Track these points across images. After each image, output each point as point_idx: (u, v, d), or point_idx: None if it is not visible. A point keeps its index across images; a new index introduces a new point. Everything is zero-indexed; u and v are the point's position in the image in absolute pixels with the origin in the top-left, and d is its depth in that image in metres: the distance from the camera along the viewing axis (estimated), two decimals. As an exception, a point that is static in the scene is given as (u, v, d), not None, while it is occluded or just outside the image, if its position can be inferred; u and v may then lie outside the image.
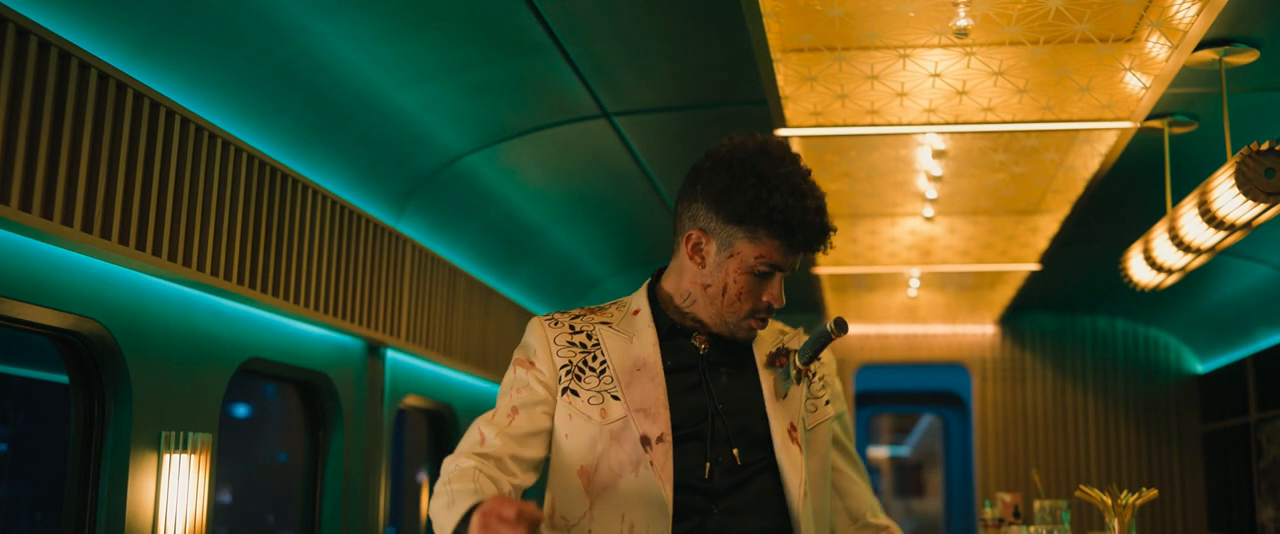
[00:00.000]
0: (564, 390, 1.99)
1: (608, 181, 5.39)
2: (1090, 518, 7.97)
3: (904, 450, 21.44)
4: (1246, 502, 7.78)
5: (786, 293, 2.04)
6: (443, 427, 5.90)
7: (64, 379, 3.17)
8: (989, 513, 5.44)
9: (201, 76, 3.34)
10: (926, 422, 18.46)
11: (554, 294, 7.07)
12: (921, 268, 7.47)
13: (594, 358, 2.01)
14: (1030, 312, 9.19)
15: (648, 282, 2.12)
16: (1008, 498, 5.45)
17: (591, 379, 1.99)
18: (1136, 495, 3.69)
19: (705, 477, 1.92)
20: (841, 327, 1.91)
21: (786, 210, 1.90)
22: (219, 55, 3.33)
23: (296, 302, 3.92)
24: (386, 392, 4.88)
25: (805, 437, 2.02)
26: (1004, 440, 9.24)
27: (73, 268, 2.99)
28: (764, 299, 1.97)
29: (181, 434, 3.34)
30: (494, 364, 6.11)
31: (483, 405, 6.28)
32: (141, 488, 3.22)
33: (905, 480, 20.96)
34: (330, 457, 4.51)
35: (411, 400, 5.31)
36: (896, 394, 13.68)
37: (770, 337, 2.09)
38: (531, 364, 2.03)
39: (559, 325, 2.05)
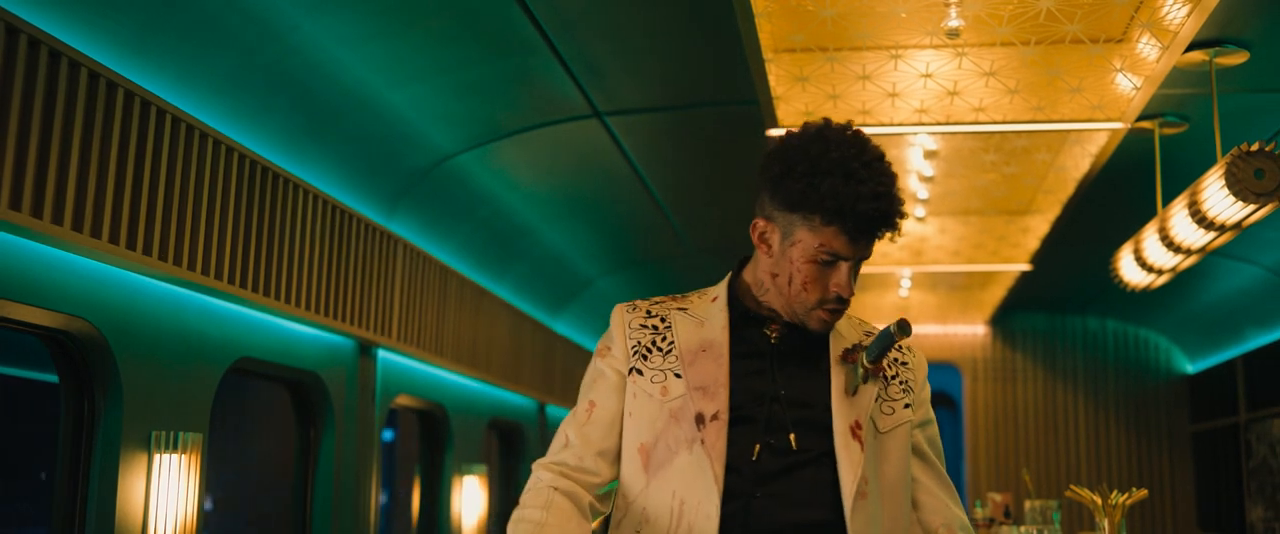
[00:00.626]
0: (631, 370, 2.00)
1: (599, 181, 5.39)
2: (1080, 518, 8.00)
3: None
4: (1236, 501, 7.80)
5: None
6: (434, 426, 5.90)
7: (54, 379, 3.16)
8: (980, 513, 5.46)
9: (192, 75, 3.34)
10: (917, 422, 18.48)
11: (545, 294, 7.07)
12: (913, 268, 7.48)
13: (664, 338, 2.02)
14: (1021, 312, 9.21)
15: (731, 272, 2.11)
16: (998, 498, 5.46)
17: (657, 358, 2.00)
18: (1127, 495, 3.70)
19: (753, 459, 1.90)
20: (904, 328, 1.89)
21: (837, 196, 1.84)
22: (209, 54, 3.33)
23: (287, 301, 3.91)
24: (378, 391, 4.87)
25: (874, 438, 1.96)
26: (995, 440, 9.25)
27: (63, 267, 2.98)
28: (831, 290, 1.93)
29: (172, 434, 3.33)
30: (485, 364, 6.10)
31: (474, 405, 6.28)
32: (131, 488, 3.21)
33: (896, 480, 20.99)
34: (321, 456, 4.50)
35: (403, 400, 5.31)
36: (888, 394, 13.68)
37: (853, 334, 2.05)
38: (608, 351, 2.06)
39: (637, 310, 2.07)
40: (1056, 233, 6.20)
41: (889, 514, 1.95)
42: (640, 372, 1.99)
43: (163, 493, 3.30)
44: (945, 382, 11.47)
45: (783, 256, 1.94)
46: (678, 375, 1.96)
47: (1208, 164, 3.90)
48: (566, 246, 6.46)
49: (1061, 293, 8.44)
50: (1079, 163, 5.04)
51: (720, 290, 2.07)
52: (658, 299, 2.11)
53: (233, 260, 3.58)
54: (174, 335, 3.46)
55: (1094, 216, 5.80)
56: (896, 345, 2.04)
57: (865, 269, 7.47)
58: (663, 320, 2.04)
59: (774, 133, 4.47)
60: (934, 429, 2.12)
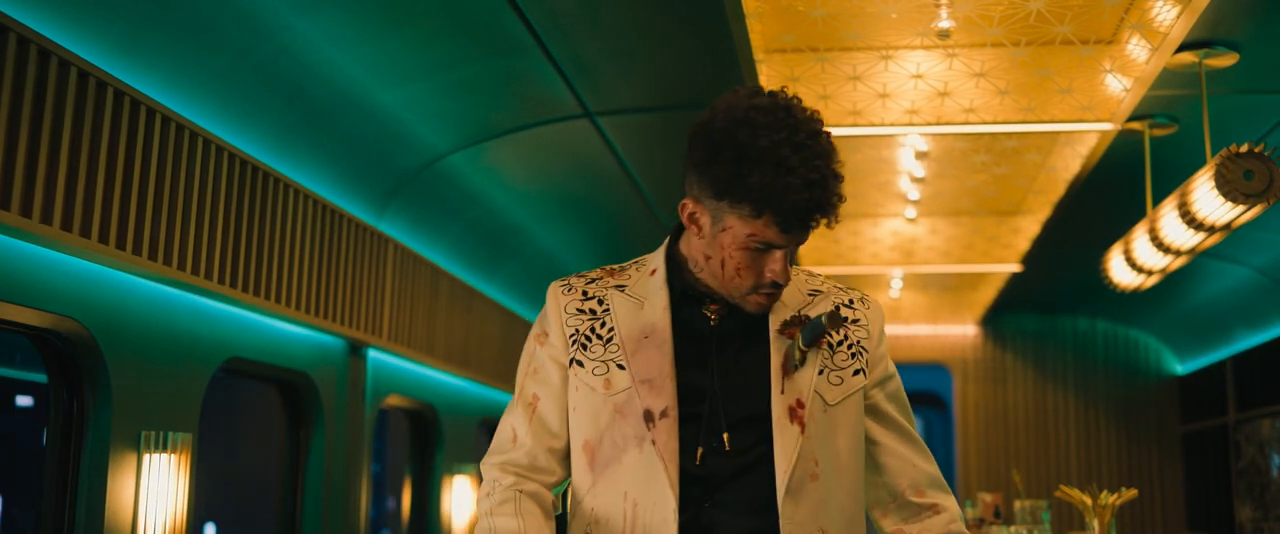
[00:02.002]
0: (572, 362, 1.88)
1: (590, 181, 5.39)
2: (1070, 518, 8.01)
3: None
4: (1225, 501, 7.83)
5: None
6: (425, 427, 5.89)
7: (43, 378, 3.15)
8: (970, 513, 5.47)
9: (183, 75, 3.33)
10: (908, 422, 18.51)
11: (536, 294, 7.06)
12: (903, 268, 7.49)
13: (603, 324, 1.89)
14: (1011, 312, 9.23)
15: (667, 239, 1.97)
16: (989, 498, 5.48)
17: (597, 348, 1.87)
18: (1116, 495, 3.71)
19: (697, 462, 1.78)
20: (836, 321, 1.81)
21: (766, 189, 1.71)
22: (200, 53, 3.32)
23: (278, 301, 3.90)
24: (368, 392, 4.87)
25: (823, 413, 1.82)
26: (985, 441, 9.27)
27: (53, 267, 2.97)
28: (767, 276, 1.81)
29: (161, 434, 3.33)
30: (476, 364, 6.10)
31: (464, 406, 6.27)
32: (121, 488, 3.21)
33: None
34: (311, 457, 4.49)
35: (393, 400, 5.30)
36: (878, 394, 13.71)
37: (796, 299, 1.92)
38: (546, 337, 1.94)
39: (573, 291, 1.94)
40: (1047, 234, 6.22)
41: (845, 490, 1.84)
42: (581, 363, 1.86)
43: (152, 493, 3.29)
44: (935, 382, 11.50)
45: (714, 240, 1.82)
46: (621, 366, 1.83)
47: (1197, 165, 3.91)
48: (557, 246, 6.45)
49: (1052, 293, 8.46)
50: (1069, 164, 5.05)
51: (658, 261, 1.94)
52: (593, 275, 1.97)
53: (223, 260, 3.57)
54: (164, 335, 3.45)
55: (1084, 217, 5.81)
56: (837, 327, 1.90)
57: (855, 269, 7.48)
58: (600, 303, 1.91)
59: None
60: (895, 383, 1.98)
